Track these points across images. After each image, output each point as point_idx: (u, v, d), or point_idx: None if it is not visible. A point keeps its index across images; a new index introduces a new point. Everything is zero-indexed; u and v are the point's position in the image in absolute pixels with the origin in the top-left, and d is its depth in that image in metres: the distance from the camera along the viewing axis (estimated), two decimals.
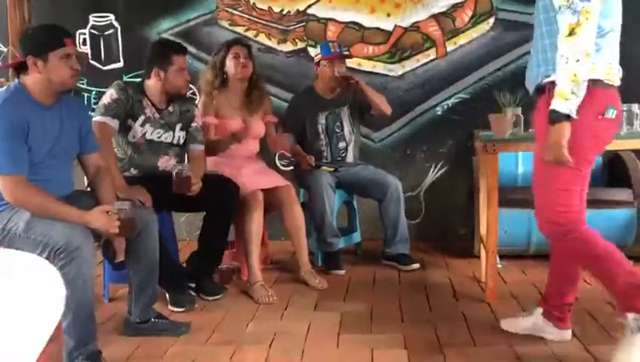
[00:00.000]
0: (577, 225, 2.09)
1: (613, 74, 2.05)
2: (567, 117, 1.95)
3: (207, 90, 3.21)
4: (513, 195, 3.30)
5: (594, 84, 1.99)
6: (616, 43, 2.08)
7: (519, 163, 3.59)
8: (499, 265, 3.10)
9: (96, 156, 2.45)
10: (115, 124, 2.75)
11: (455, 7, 3.94)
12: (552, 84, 2.02)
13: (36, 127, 2.17)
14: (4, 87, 2.24)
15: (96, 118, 2.74)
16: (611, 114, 2.04)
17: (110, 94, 2.77)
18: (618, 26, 2.07)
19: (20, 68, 2.24)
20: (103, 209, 2.22)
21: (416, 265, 3.43)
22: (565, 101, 1.94)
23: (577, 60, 1.91)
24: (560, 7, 1.95)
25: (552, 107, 1.97)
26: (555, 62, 1.99)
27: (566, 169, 2.03)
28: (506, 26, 3.91)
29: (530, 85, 2.21)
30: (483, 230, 3.05)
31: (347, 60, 3.59)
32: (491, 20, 3.94)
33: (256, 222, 3.01)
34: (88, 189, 2.48)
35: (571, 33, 1.92)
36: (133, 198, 2.55)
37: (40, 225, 2.12)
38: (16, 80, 2.25)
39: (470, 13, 3.94)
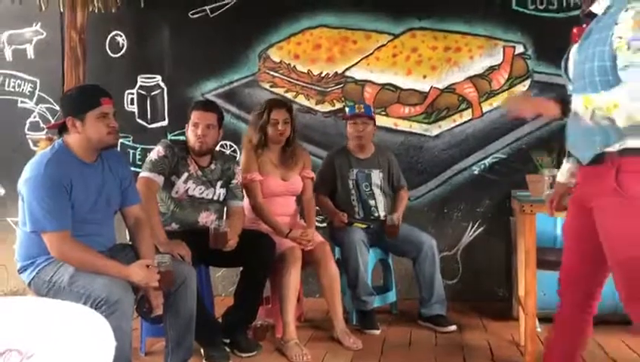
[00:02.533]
0: None
1: None
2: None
3: (247, 148, 3.30)
4: (552, 256, 3.24)
5: None
6: None
7: (557, 224, 3.53)
8: (538, 329, 3.02)
9: (136, 208, 2.53)
10: (160, 180, 2.85)
11: (491, 69, 4.01)
12: (616, 154, 1.80)
13: (79, 184, 2.28)
14: (49, 147, 2.36)
15: (143, 173, 2.85)
16: None
17: (157, 151, 2.89)
18: None
19: (63, 128, 2.36)
20: (143, 263, 2.29)
21: (454, 327, 3.37)
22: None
23: None
24: (627, 67, 1.74)
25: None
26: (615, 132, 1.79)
27: None
28: (542, 88, 3.94)
29: (583, 152, 1.93)
30: (521, 292, 3.00)
31: (384, 119, 3.68)
32: (527, 82, 3.98)
33: (293, 279, 3.02)
34: (130, 242, 2.57)
35: None
36: (174, 252, 2.62)
37: (83, 278, 2.19)
38: (60, 139, 2.37)
39: (506, 76, 4.00)
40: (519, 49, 3.98)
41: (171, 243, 2.74)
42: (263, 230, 3.12)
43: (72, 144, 2.33)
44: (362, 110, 3.56)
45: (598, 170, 1.86)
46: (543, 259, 3.04)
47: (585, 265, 2.05)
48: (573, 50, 1.99)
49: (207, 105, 3.03)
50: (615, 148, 1.81)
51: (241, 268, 3.02)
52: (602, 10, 1.89)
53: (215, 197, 3.02)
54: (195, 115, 2.92)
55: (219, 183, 3.03)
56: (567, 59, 2.03)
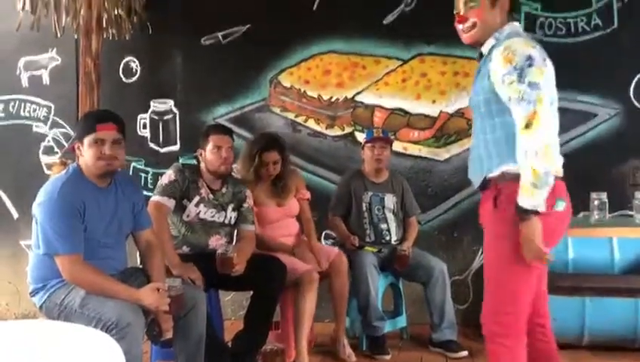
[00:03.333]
0: (516, 336, 1.99)
1: (557, 165, 1.94)
2: (536, 212, 1.83)
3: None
4: (564, 282, 3.22)
5: None
6: (557, 131, 2.00)
7: (569, 248, 3.51)
8: None
9: (147, 232, 2.55)
10: (171, 203, 2.88)
11: None
12: (496, 179, 1.95)
13: (92, 208, 2.30)
14: (64, 171, 2.39)
15: (154, 197, 2.88)
16: (561, 206, 1.92)
17: (168, 175, 2.92)
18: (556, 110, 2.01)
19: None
20: (154, 286, 2.30)
21: (465, 353, 3.33)
22: (530, 197, 1.83)
23: (536, 153, 1.81)
24: (510, 99, 1.86)
25: (518, 203, 1.85)
26: (498, 156, 1.93)
27: (520, 267, 1.92)
28: None
29: (474, 179, 2.10)
30: None
31: (394, 143, 3.73)
32: None
33: (309, 304, 3.02)
34: (141, 266, 2.58)
35: (527, 125, 1.82)
36: (185, 276, 2.63)
37: (94, 302, 2.21)
38: (74, 163, 2.41)
39: None
40: None
41: (183, 267, 2.75)
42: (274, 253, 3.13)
43: (83, 168, 2.37)
44: (380, 134, 3.60)
45: (485, 194, 2.06)
46: (556, 284, 3.01)
47: None
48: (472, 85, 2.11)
49: (226, 129, 3.08)
50: (495, 173, 1.97)
51: (251, 292, 3.02)
52: (487, 49, 2.01)
53: (226, 221, 3.04)
54: (215, 139, 2.95)
55: (230, 206, 3.05)
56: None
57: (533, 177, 1.82)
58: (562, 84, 3.87)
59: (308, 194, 3.46)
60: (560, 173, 1.96)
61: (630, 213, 3.49)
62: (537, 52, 1.91)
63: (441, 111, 4.09)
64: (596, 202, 3.28)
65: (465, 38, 2.09)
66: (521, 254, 1.90)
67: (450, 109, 4.09)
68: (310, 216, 3.44)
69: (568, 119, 3.89)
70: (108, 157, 2.30)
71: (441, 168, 4.10)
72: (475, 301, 4.01)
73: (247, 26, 4.26)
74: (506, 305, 2.00)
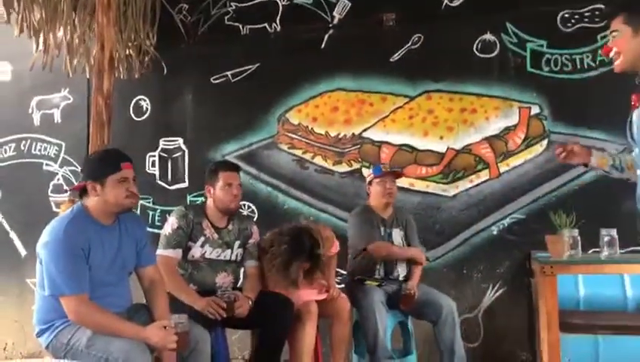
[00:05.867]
0: None
1: None
2: None
3: None
4: (576, 319, 3.17)
5: None
6: None
7: (580, 285, 3.46)
8: None
9: (151, 269, 2.55)
10: (177, 254, 2.88)
11: (507, 130, 4.04)
12: None
13: (97, 247, 2.31)
14: (68, 210, 2.40)
15: (159, 251, 2.87)
16: None
17: (171, 224, 2.91)
18: None
19: (83, 191, 2.40)
20: (160, 324, 2.28)
21: None
22: None
23: None
24: None
25: None
26: None
27: None
28: None
29: None
30: (545, 357, 2.91)
31: (401, 180, 3.74)
32: (544, 142, 3.99)
33: (308, 335, 2.99)
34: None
35: None
36: (211, 307, 2.67)
37: (100, 341, 2.20)
38: (79, 203, 2.41)
39: (522, 136, 4.02)
40: (535, 110, 4.01)
41: (205, 300, 2.74)
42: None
43: (90, 207, 2.37)
44: (388, 169, 3.63)
45: None
46: (566, 321, 2.96)
47: None
48: (636, 114, 2.07)
49: (235, 166, 3.10)
50: None
51: (258, 330, 2.99)
52: None
53: (232, 258, 3.03)
54: (226, 176, 2.97)
55: (236, 244, 3.05)
56: (630, 122, 2.10)
57: None
58: (570, 119, 3.96)
59: (338, 248, 3.40)
60: None
61: None
62: None
63: (448, 148, 4.10)
64: (606, 238, 3.23)
65: (614, 68, 2.12)
66: None
67: (458, 146, 4.09)
68: (334, 267, 3.41)
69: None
70: (134, 195, 2.37)
71: (449, 204, 4.09)
72: (485, 339, 3.94)
73: (257, 64, 4.33)
74: None
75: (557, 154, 2.41)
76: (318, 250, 3.03)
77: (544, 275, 2.76)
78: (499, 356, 3.87)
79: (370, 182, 3.64)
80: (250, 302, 2.85)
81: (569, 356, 3.00)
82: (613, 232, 3.23)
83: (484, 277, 4.00)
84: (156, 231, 3.30)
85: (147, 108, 4.49)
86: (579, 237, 2.99)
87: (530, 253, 3.62)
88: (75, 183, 4.30)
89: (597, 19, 3.90)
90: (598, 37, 3.90)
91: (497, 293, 3.97)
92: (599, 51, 3.90)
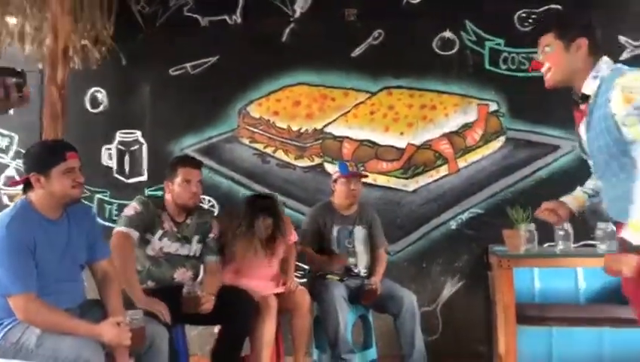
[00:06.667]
0: None
1: None
2: (637, 250, 1.80)
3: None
4: (532, 312, 3.25)
5: None
6: None
7: (535, 279, 3.55)
8: None
9: (104, 263, 2.47)
10: (135, 235, 2.81)
11: (466, 126, 4.10)
12: None
13: (43, 242, 2.22)
14: (12, 206, 2.30)
15: (119, 228, 2.80)
16: None
17: (133, 207, 2.86)
18: None
19: (26, 185, 2.30)
20: (114, 321, 2.21)
21: None
22: (637, 233, 1.80)
23: None
24: (635, 141, 1.86)
25: (623, 236, 1.84)
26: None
27: None
28: (516, 145, 4.03)
29: (621, 218, 1.98)
30: (502, 349, 2.98)
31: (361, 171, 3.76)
32: (502, 139, 4.07)
33: (268, 329, 2.99)
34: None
35: None
36: (153, 310, 2.56)
37: (50, 340, 2.13)
38: (23, 197, 2.31)
39: (481, 133, 4.09)
40: (493, 107, 4.09)
41: (149, 300, 2.67)
42: (242, 286, 3.08)
43: (35, 201, 2.28)
44: (354, 169, 3.61)
45: None
46: (523, 314, 3.04)
47: None
48: (581, 129, 2.08)
49: (196, 162, 3.03)
50: None
51: (218, 326, 2.96)
52: (593, 91, 1.99)
53: (191, 254, 2.98)
54: (185, 172, 2.91)
55: (195, 238, 3.00)
56: (580, 138, 2.12)
57: None
58: (527, 117, 4.05)
59: (295, 237, 3.44)
60: None
61: (594, 243, 3.56)
62: None
63: (408, 143, 4.14)
64: (561, 233, 3.34)
65: (545, 83, 2.11)
66: None
67: (418, 141, 4.14)
68: (293, 259, 3.42)
69: (533, 151, 3.99)
70: (80, 185, 2.29)
71: (409, 199, 4.13)
72: (444, 332, 4.01)
73: (217, 57, 4.28)
74: None
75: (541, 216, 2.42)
76: (277, 205, 3.27)
77: (501, 269, 2.83)
78: (457, 348, 3.93)
79: (335, 180, 3.64)
80: (213, 298, 2.81)
81: (525, 347, 3.07)
82: (568, 227, 3.33)
83: (443, 271, 4.07)
84: (112, 225, 3.22)
85: (103, 100, 4.38)
86: (535, 232, 3.06)
87: (488, 246, 3.69)
88: None
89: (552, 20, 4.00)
90: None
91: (456, 287, 4.04)
92: (529, 66, 3.98)
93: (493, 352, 3.56)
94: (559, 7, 3.95)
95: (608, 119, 1.91)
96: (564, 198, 2.33)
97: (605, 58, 2.03)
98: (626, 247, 1.82)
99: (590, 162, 2.11)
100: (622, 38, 3.92)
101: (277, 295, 3.14)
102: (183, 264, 2.94)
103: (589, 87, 2.01)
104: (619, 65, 2.03)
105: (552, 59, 2.05)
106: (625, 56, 3.89)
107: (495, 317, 3.42)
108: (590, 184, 2.28)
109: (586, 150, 2.10)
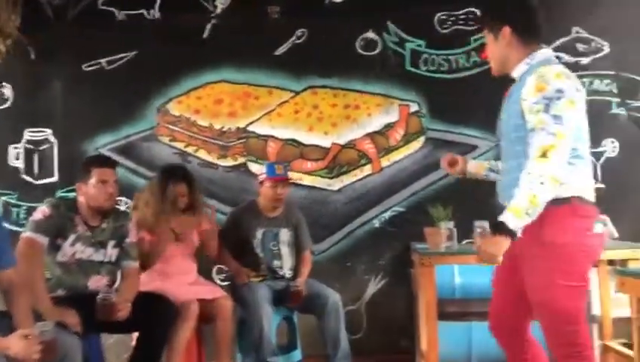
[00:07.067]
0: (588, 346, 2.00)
1: (591, 190, 2.01)
2: (514, 235, 1.87)
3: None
4: (452, 308, 3.33)
5: (580, 201, 1.94)
6: (590, 160, 2.05)
7: (455, 275, 3.65)
8: None
9: (9, 272, 2.28)
10: (44, 241, 2.63)
11: (388, 126, 4.16)
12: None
13: None
14: None
15: (26, 233, 2.63)
16: (599, 228, 1.99)
17: (42, 211, 2.68)
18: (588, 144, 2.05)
19: None
20: (22, 333, 2.07)
21: None
22: (518, 219, 1.85)
23: (542, 183, 1.84)
24: (534, 127, 1.90)
25: (501, 219, 1.88)
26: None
27: (572, 289, 1.94)
28: (435, 144, 4.13)
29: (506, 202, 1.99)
30: (424, 344, 3.03)
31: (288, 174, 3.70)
32: (422, 139, 4.16)
33: (184, 333, 2.89)
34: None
35: (543, 155, 1.86)
36: (62, 321, 2.41)
37: None
38: None
39: (402, 133, 4.16)
40: (414, 107, 4.17)
41: (58, 311, 2.51)
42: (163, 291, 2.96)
43: None
44: (282, 172, 3.50)
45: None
46: (444, 310, 3.10)
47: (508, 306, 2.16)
48: (502, 109, 2.16)
49: (111, 162, 2.89)
50: None
51: (136, 334, 2.82)
52: (520, 74, 2.08)
53: (106, 259, 2.83)
54: (100, 173, 2.75)
55: (110, 243, 2.85)
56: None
57: (530, 203, 1.85)
58: (446, 117, 4.15)
59: (211, 225, 3.33)
60: (592, 198, 2.00)
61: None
62: (570, 83, 1.94)
63: (332, 143, 4.15)
64: (479, 230, 3.43)
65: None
66: (569, 271, 1.92)
67: (342, 141, 4.15)
68: (214, 246, 3.34)
69: (452, 151, 4.07)
70: None
71: (334, 198, 4.14)
72: (368, 329, 4.04)
73: (134, 52, 4.11)
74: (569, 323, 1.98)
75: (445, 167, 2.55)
76: (191, 174, 3.28)
77: (423, 266, 2.87)
78: (381, 345, 3.98)
79: (261, 182, 3.56)
80: (129, 304, 2.68)
81: (446, 343, 3.14)
82: (486, 224, 3.42)
83: (366, 269, 4.10)
84: (20, 229, 3.01)
85: (9, 96, 4.10)
86: (455, 230, 3.13)
87: (410, 244, 3.75)
88: None
89: (471, 22, 4.12)
90: (472, 39, 4.12)
91: (380, 284, 4.09)
92: (473, 53, 4.12)
93: (416, 348, 3.62)
94: (477, 10, 4.08)
95: (517, 103, 1.99)
96: (471, 161, 2.49)
97: (544, 50, 2.10)
98: (498, 231, 1.88)
99: (501, 144, 2.17)
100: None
101: (199, 301, 3.03)
102: (97, 270, 2.78)
103: (518, 71, 2.09)
104: (553, 57, 2.10)
105: (488, 50, 2.16)
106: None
107: (417, 314, 3.48)
108: (500, 164, 2.36)
109: (500, 132, 2.17)
